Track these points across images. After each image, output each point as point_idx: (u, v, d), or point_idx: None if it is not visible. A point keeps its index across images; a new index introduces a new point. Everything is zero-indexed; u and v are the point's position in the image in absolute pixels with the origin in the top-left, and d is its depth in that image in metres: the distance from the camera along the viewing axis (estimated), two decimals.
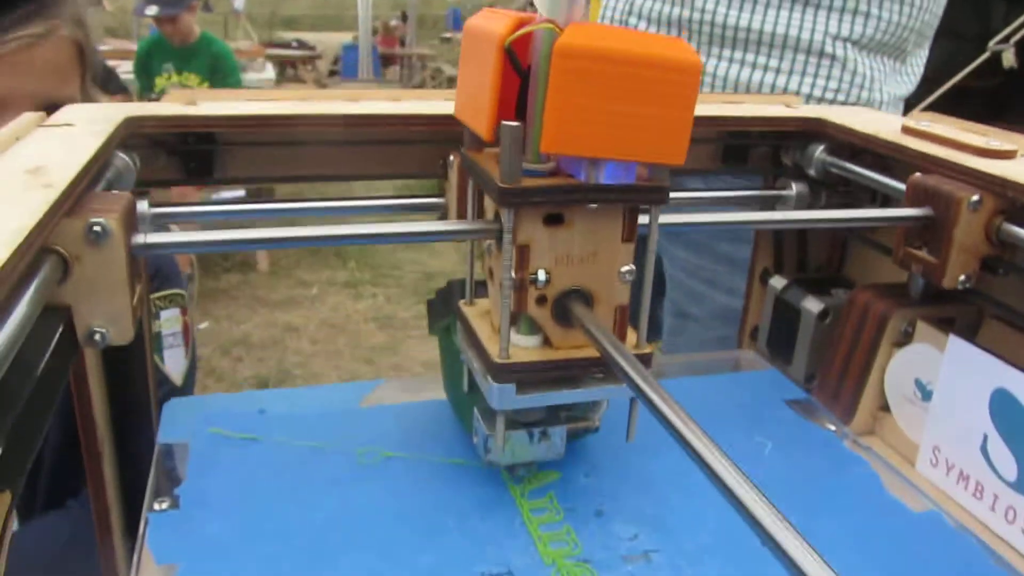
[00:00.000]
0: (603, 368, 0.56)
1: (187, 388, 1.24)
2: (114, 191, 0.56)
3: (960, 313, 0.80)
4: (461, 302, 0.63)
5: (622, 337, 0.56)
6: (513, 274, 0.52)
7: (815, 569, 0.33)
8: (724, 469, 0.39)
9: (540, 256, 0.52)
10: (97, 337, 0.51)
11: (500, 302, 0.53)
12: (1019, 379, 0.69)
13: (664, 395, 0.44)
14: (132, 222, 0.53)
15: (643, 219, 0.56)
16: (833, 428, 0.81)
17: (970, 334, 0.77)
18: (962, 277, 0.71)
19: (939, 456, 0.78)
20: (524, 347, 0.56)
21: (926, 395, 0.80)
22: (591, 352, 0.56)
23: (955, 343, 0.75)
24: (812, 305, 0.90)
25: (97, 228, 0.49)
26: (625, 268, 0.54)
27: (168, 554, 0.60)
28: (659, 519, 0.67)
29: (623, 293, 0.55)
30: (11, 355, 0.40)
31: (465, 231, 0.56)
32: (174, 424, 0.77)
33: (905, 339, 0.81)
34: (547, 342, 0.57)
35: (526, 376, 0.55)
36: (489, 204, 0.58)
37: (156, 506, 0.65)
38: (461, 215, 0.70)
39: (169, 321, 1.17)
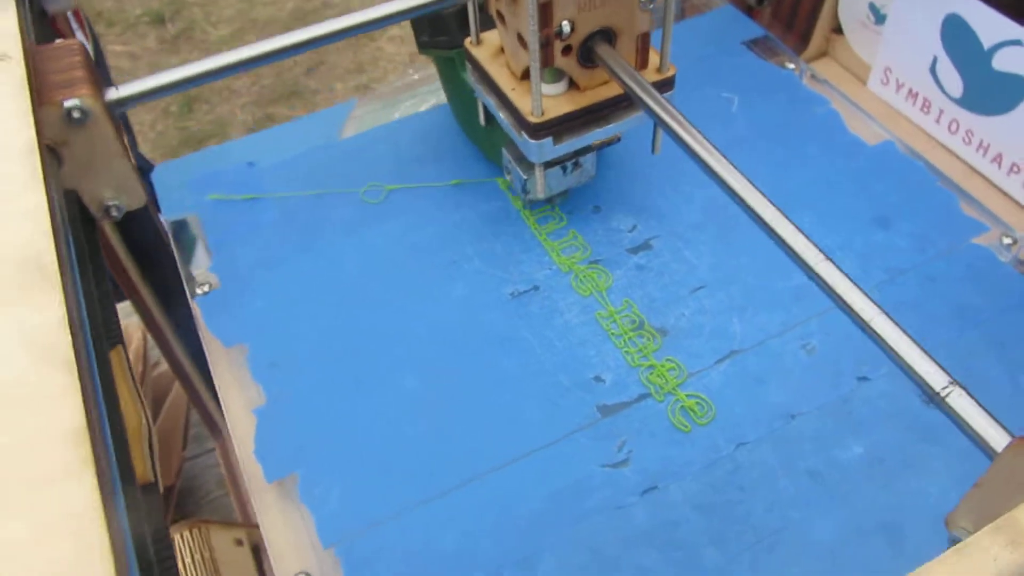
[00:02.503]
0: (627, 100, 0.59)
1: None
2: (60, 43, 0.51)
3: None
4: (467, 42, 0.62)
5: (644, 63, 0.58)
6: (538, 32, 0.51)
7: (789, 233, 0.44)
8: (712, 158, 0.47)
9: (562, 8, 0.51)
10: (114, 212, 0.51)
11: (528, 60, 0.54)
12: (971, 5, 0.72)
13: (678, 117, 0.49)
14: (96, 77, 0.50)
15: None
16: (792, 66, 0.85)
17: None
18: None
19: (890, 76, 0.83)
20: (552, 96, 0.58)
21: (879, 19, 0.82)
22: (616, 88, 0.58)
23: None
24: None
25: (76, 113, 0.47)
26: None
27: (231, 335, 0.67)
28: (652, 207, 0.74)
29: (644, 21, 0.55)
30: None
31: None
32: (170, 195, 0.78)
33: None
34: (573, 84, 0.58)
35: (561, 128, 0.58)
36: None
37: (198, 291, 0.70)
38: None
39: None
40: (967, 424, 0.37)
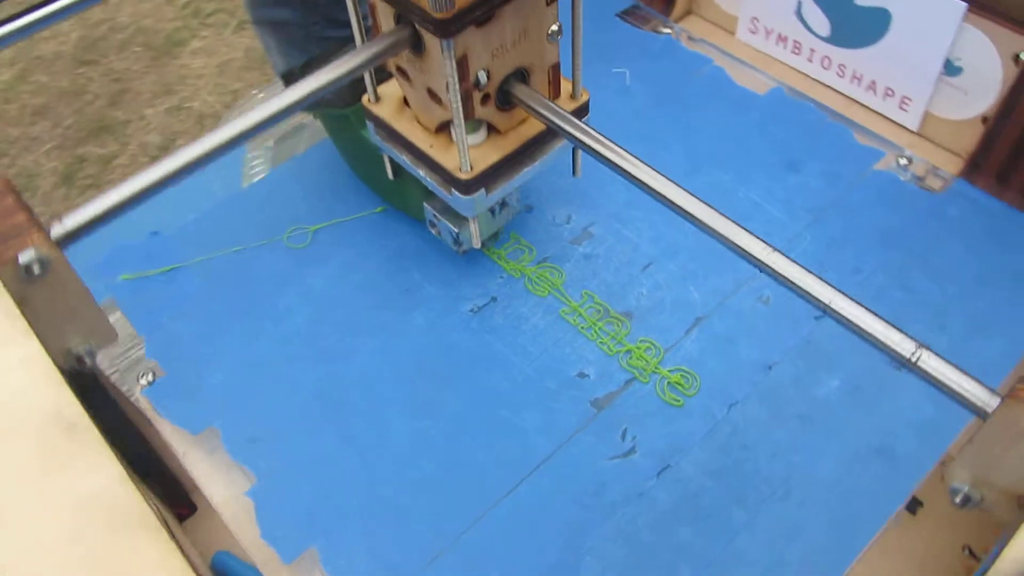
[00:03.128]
0: (550, 134, 0.59)
1: None
2: None
3: None
4: (365, 100, 0.60)
5: (558, 91, 0.57)
6: (459, 89, 0.50)
7: (733, 232, 0.46)
8: (632, 164, 0.48)
9: (477, 59, 0.50)
10: (87, 359, 0.46)
11: (444, 115, 0.52)
12: None
13: (600, 139, 0.50)
14: (37, 221, 0.45)
15: None
16: (668, 31, 0.88)
17: None
18: None
19: (758, 25, 0.88)
20: (475, 146, 0.57)
21: None
22: (536, 125, 0.58)
23: None
24: None
25: (36, 268, 0.41)
26: (552, 28, 0.53)
27: (196, 420, 0.63)
28: (582, 195, 0.75)
29: (553, 52, 0.55)
30: None
31: (379, 52, 0.51)
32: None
33: None
34: (491, 129, 0.57)
35: (491, 177, 0.57)
36: (384, 12, 0.52)
37: (142, 382, 0.66)
38: None
39: None
40: (947, 386, 0.38)
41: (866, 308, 0.42)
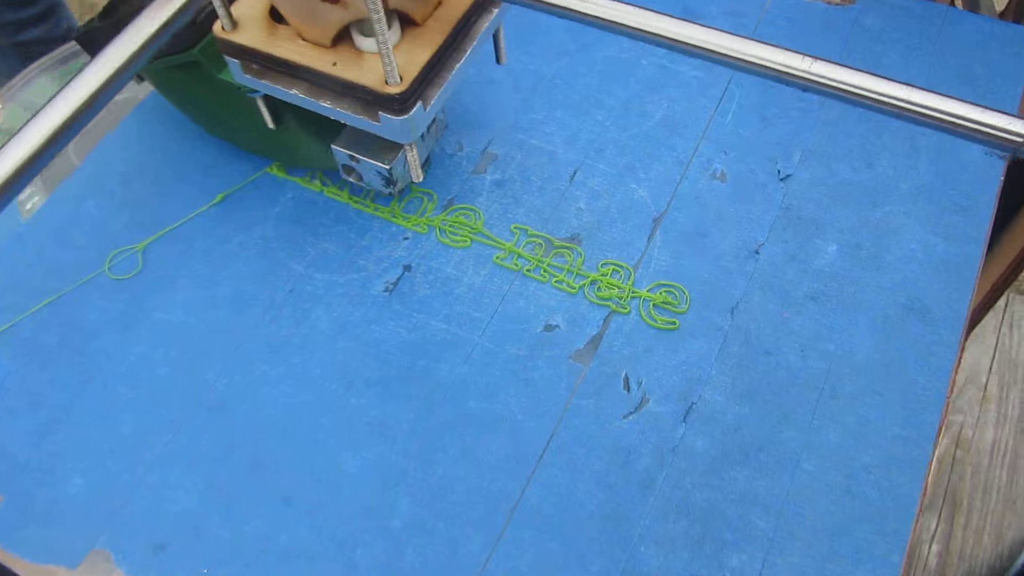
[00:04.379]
0: (475, 10, 0.44)
1: None
2: None
3: None
4: (217, 28, 0.42)
5: None
6: None
7: (754, 51, 0.35)
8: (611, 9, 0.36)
9: None
10: None
11: (345, 15, 0.36)
12: None
13: None
14: None
15: None
16: None
17: None
18: None
19: None
20: (397, 48, 0.41)
21: None
22: (457, 5, 0.42)
23: None
24: None
25: None
26: None
27: (70, 549, 0.46)
28: (462, 114, 0.60)
29: None
30: None
31: None
32: None
33: None
34: (404, 20, 0.41)
35: (426, 86, 0.41)
36: None
37: None
38: None
39: None
40: None
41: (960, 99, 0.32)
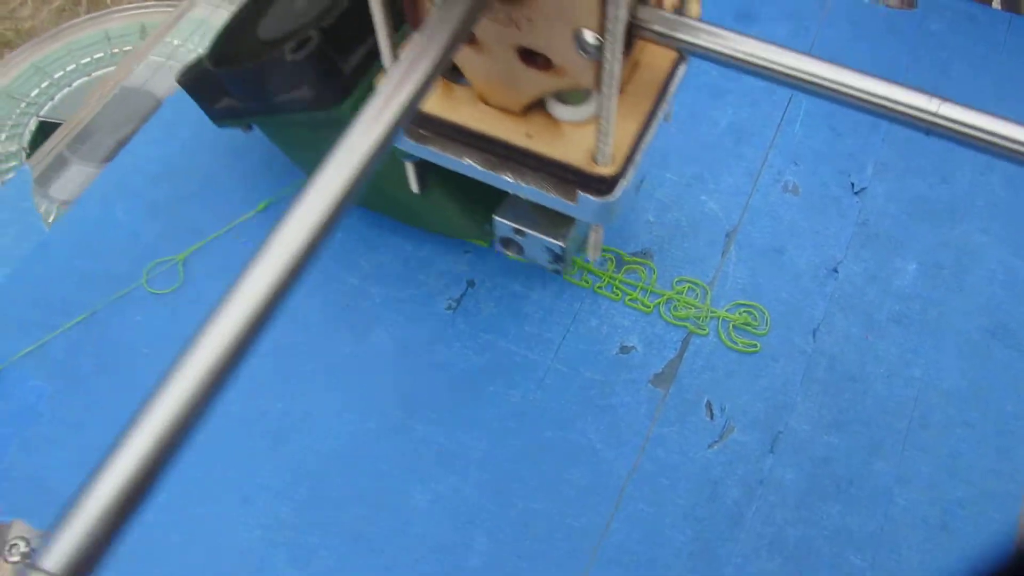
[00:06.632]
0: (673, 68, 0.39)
1: None
2: None
3: None
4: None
5: None
6: (623, 16, 0.29)
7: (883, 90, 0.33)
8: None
9: None
10: None
11: (604, 76, 0.31)
12: None
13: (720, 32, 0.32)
14: None
15: None
16: None
17: None
18: None
19: None
20: (585, 121, 0.36)
21: None
22: (654, 64, 0.38)
23: None
24: None
25: None
26: None
27: None
28: None
29: None
30: None
31: (469, 13, 0.28)
32: None
33: None
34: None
35: (631, 166, 0.37)
36: None
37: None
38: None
39: None
40: None
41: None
